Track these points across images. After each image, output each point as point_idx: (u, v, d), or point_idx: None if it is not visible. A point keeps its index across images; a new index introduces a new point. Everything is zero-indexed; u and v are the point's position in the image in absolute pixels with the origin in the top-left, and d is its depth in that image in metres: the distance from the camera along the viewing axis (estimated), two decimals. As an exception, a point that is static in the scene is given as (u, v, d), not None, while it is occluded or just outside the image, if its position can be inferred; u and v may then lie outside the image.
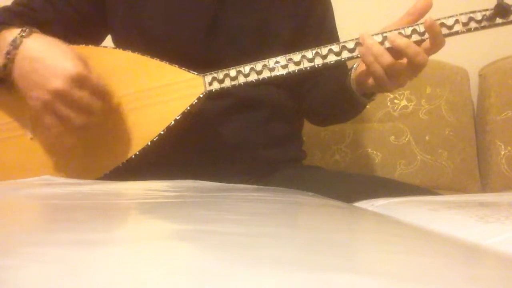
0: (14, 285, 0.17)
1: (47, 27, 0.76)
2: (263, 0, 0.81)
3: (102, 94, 0.68)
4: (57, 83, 0.63)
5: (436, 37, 0.64)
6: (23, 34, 0.66)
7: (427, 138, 1.21)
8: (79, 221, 0.32)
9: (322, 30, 0.88)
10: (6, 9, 0.76)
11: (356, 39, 0.67)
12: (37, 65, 0.64)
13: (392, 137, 1.21)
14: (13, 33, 0.67)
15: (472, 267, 0.26)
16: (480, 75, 1.30)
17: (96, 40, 0.84)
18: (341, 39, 0.91)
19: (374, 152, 1.21)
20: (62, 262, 0.20)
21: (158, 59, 0.71)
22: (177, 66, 0.71)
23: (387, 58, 0.64)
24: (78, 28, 0.80)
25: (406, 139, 1.21)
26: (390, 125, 1.21)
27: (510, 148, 1.19)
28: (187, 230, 0.29)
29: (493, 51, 1.28)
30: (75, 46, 0.73)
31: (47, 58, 0.65)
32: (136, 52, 0.72)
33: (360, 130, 1.22)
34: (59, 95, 0.64)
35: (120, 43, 0.83)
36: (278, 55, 0.68)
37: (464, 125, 1.23)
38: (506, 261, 0.27)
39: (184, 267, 0.20)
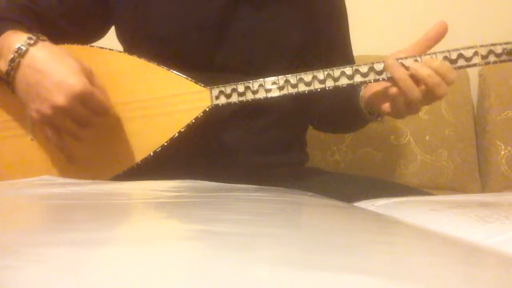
0: (14, 285, 0.17)
1: (50, 20, 0.75)
2: (275, 8, 0.79)
3: (104, 112, 0.67)
4: (60, 100, 0.62)
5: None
6: (30, 42, 0.64)
7: (427, 138, 1.21)
8: (79, 221, 0.32)
9: (335, 42, 0.86)
10: (9, 2, 0.75)
11: (371, 63, 0.65)
12: (41, 78, 0.63)
13: (392, 137, 1.21)
14: (20, 39, 0.65)
15: (472, 267, 0.26)
16: (480, 75, 1.30)
17: (99, 34, 0.83)
18: (354, 49, 0.90)
19: (374, 152, 1.21)
20: (62, 262, 0.20)
21: (165, 67, 0.70)
22: (184, 76, 0.69)
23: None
24: (80, 22, 0.79)
25: (406, 139, 1.21)
26: (390, 125, 1.21)
27: (510, 148, 1.19)
28: (187, 230, 0.29)
29: (493, 51, 1.28)
30: (80, 47, 0.72)
31: (53, 72, 0.63)
32: (143, 58, 0.71)
33: (360, 130, 1.21)
34: (61, 111, 0.63)
35: (125, 42, 0.81)
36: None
37: (464, 125, 1.23)
38: (506, 261, 0.27)
39: (184, 266, 0.20)
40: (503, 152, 1.20)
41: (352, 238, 0.31)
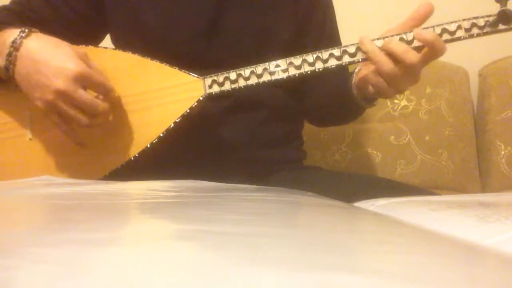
0: (14, 285, 0.17)
1: (46, 26, 0.76)
2: (263, 2, 0.81)
3: (106, 91, 0.68)
4: (60, 84, 0.63)
5: (430, 45, 0.63)
6: (22, 35, 0.66)
7: (427, 138, 1.21)
8: (79, 221, 0.32)
9: (323, 32, 0.88)
10: (5, 8, 0.76)
11: (357, 43, 0.66)
12: (39, 66, 0.65)
13: (392, 137, 1.21)
14: (13, 33, 0.67)
15: (472, 267, 0.26)
16: (480, 75, 1.30)
17: (95, 39, 0.84)
18: (343, 40, 0.91)
19: (374, 152, 1.21)
20: (62, 262, 0.20)
21: (158, 61, 0.71)
22: (177, 68, 0.71)
23: (387, 64, 0.64)
24: (76, 28, 0.80)
25: (406, 139, 1.21)
26: (390, 125, 1.21)
27: (510, 148, 1.19)
28: (187, 230, 0.29)
29: (493, 51, 1.28)
30: (75, 47, 0.73)
31: (49, 59, 0.65)
32: (137, 54, 0.72)
33: (360, 130, 1.22)
34: (62, 95, 0.64)
35: (119, 44, 0.82)
36: (278, 57, 0.68)
37: (464, 125, 1.23)
38: (506, 261, 0.27)
39: (184, 267, 0.20)
40: (503, 152, 1.20)
41: (352, 238, 0.31)
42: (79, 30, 0.80)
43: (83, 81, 0.65)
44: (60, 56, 0.65)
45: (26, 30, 0.67)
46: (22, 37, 0.66)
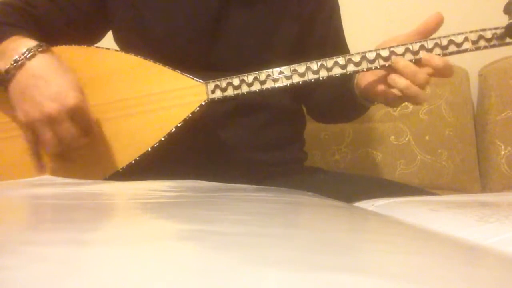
0: (14, 285, 0.17)
1: (47, 23, 0.75)
2: (267, 3, 0.80)
3: (88, 131, 0.68)
4: (53, 108, 0.63)
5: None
6: (39, 49, 0.66)
7: (427, 138, 1.21)
8: (79, 221, 0.32)
9: (328, 32, 0.87)
10: (7, 4, 0.75)
11: (363, 52, 0.66)
12: (40, 84, 0.64)
13: (392, 137, 1.21)
14: (29, 43, 0.66)
15: (472, 267, 0.26)
16: (480, 75, 1.30)
17: (95, 37, 0.84)
18: (348, 41, 0.90)
19: (374, 152, 1.21)
20: (62, 262, 0.20)
21: (161, 64, 0.71)
22: (179, 72, 0.70)
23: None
24: (78, 25, 0.80)
25: (406, 139, 1.21)
26: (390, 125, 1.21)
27: (510, 148, 1.19)
28: (187, 230, 0.29)
29: (493, 51, 1.27)
30: (77, 47, 0.73)
31: (54, 82, 0.64)
32: (139, 56, 0.72)
33: (360, 130, 1.22)
34: (49, 119, 0.64)
35: (121, 43, 0.82)
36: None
37: (464, 125, 1.23)
38: (506, 261, 0.27)
39: (184, 267, 0.20)
40: (503, 152, 1.20)
41: (352, 238, 0.31)
42: (80, 27, 0.80)
43: (76, 114, 0.65)
44: (64, 83, 0.65)
45: (44, 46, 0.67)
46: (37, 51, 0.66)
